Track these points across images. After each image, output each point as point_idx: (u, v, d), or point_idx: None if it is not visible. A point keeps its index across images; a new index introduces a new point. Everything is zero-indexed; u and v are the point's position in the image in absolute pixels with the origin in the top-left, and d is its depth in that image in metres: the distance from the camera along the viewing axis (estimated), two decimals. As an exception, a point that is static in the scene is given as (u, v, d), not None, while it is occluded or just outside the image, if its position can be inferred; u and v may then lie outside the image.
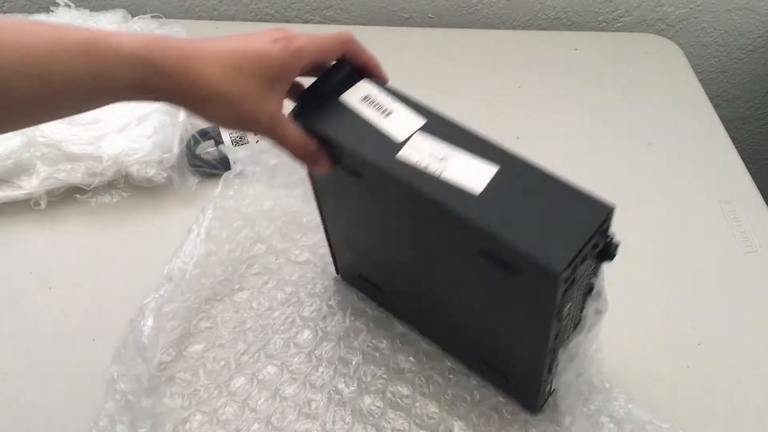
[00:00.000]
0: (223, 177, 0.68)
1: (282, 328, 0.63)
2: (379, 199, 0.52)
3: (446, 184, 0.44)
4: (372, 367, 0.61)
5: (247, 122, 0.46)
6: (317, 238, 0.71)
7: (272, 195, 0.72)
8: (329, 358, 0.61)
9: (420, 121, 0.47)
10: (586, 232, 0.41)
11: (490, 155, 0.45)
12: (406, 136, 0.46)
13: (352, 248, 0.63)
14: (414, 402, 0.59)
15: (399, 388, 0.60)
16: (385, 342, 0.63)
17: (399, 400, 0.59)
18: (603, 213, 0.42)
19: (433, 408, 0.58)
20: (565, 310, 0.46)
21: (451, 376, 0.61)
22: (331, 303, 0.65)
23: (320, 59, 0.48)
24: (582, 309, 0.50)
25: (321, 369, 0.61)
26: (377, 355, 0.62)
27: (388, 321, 0.64)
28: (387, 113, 0.48)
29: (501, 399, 0.59)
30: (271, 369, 0.60)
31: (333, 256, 0.66)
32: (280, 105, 0.47)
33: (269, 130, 0.47)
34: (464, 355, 0.61)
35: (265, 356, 0.61)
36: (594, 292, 0.48)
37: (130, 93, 0.42)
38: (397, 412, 0.58)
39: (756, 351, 0.65)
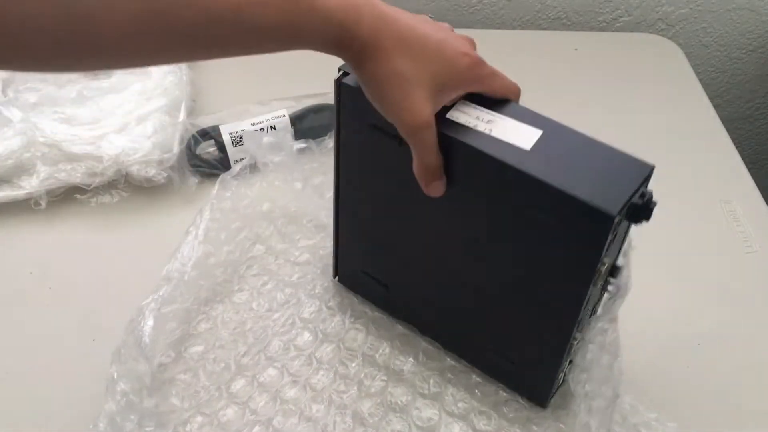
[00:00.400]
0: (219, 178, 0.68)
1: (282, 330, 0.63)
2: None
3: (496, 141, 0.46)
4: (371, 369, 0.61)
5: (406, 112, 0.45)
6: (317, 238, 0.70)
7: (271, 196, 0.72)
8: (329, 361, 0.61)
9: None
10: (633, 183, 0.44)
11: (532, 121, 0.47)
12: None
13: (366, 240, 0.61)
14: (414, 403, 0.59)
15: (399, 389, 0.60)
16: (385, 343, 0.62)
17: (399, 402, 0.59)
18: (645, 170, 0.45)
19: (433, 410, 0.58)
20: (603, 269, 0.48)
21: (451, 376, 0.60)
22: (330, 304, 0.65)
23: (486, 94, 0.49)
24: (603, 291, 0.52)
25: (321, 372, 0.60)
26: (377, 356, 0.62)
27: (389, 322, 0.64)
28: None
29: (504, 395, 0.59)
30: (271, 371, 0.60)
31: (335, 257, 0.65)
32: (435, 113, 0.46)
33: (420, 130, 0.45)
34: (469, 348, 0.61)
35: (266, 359, 0.61)
36: (620, 267, 0.50)
37: (319, 47, 0.43)
38: (398, 415, 0.58)
39: (756, 351, 0.65)
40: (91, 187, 0.73)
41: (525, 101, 0.51)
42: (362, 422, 0.57)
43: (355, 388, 0.59)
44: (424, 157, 0.47)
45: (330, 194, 0.61)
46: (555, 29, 1.09)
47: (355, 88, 0.49)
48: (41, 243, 0.71)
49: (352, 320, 0.64)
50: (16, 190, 0.72)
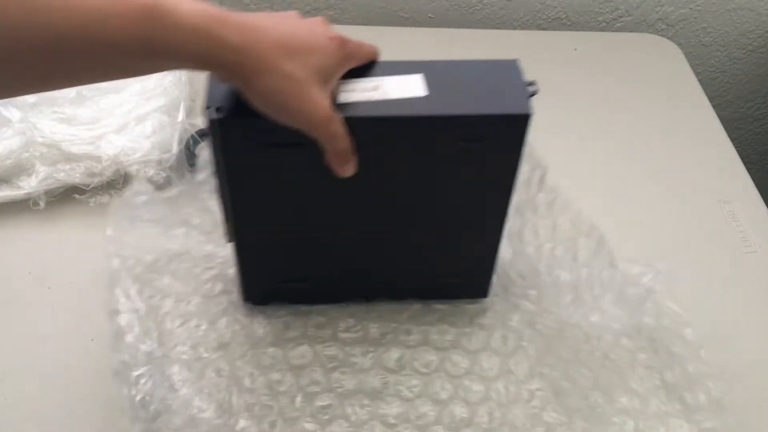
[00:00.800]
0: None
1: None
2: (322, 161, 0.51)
3: (396, 102, 0.49)
4: (312, 375, 0.60)
5: (309, 111, 0.45)
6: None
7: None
8: (261, 388, 0.59)
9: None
10: (520, 82, 0.52)
11: (407, 70, 0.51)
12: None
13: (277, 250, 0.60)
14: (363, 373, 0.60)
15: (341, 375, 0.60)
16: (306, 346, 0.61)
17: (347, 385, 0.59)
18: (515, 65, 0.54)
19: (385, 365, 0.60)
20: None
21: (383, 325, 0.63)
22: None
23: (357, 66, 0.50)
24: None
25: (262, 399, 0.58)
26: (309, 360, 0.61)
27: (303, 317, 0.64)
28: None
29: (441, 306, 0.64)
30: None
31: (243, 277, 0.61)
32: (331, 101, 0.47)
33: (323, 123, 0.46)
34: (401, 288, 0.64)
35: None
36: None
37: (187, 63, 0.41)
38: (353, 398, 0.58)
39: (756, 351, 0.65)
40: (90, 187, 0.73)
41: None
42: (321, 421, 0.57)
43: (300, 396, 0.58)
44: (336, 145, 0.47)
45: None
46: (555, 29, 1.09)
47: (234, 118, 0.47)
48: (40, 243, 0.71)
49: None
50: (15, 190, 0.72)
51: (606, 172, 0.82)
